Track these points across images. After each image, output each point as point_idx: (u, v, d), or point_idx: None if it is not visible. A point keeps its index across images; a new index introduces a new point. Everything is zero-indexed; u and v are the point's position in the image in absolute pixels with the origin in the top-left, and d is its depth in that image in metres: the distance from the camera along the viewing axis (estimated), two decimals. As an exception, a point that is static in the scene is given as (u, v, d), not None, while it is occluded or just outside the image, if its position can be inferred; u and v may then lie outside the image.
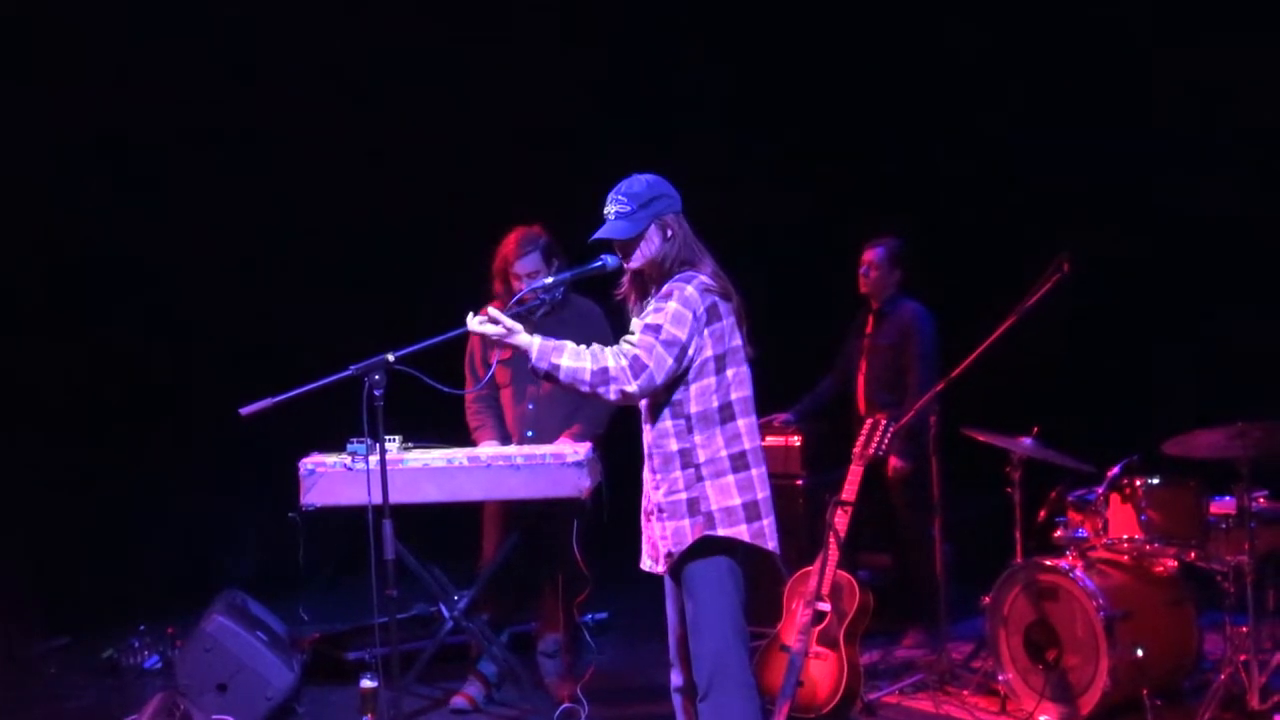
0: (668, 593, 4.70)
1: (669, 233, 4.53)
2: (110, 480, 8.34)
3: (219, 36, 8.48)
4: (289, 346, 7.91)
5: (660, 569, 4.60)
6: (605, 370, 4.37)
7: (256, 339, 8.47)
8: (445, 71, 9.08)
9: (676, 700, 4.75)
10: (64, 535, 8.09)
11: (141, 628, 7.51)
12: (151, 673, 7.30)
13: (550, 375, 4.42)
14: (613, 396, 4.40)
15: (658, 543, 4.58)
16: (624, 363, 4.37)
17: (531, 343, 4.44)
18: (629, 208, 4.52)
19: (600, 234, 4.55)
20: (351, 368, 4.65)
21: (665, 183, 4.61)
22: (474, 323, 4.51)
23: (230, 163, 8.54)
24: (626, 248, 4.55)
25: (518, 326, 4.50)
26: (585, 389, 4.41)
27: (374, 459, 4.88)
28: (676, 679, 4.71)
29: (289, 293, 8.74)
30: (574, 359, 4.39)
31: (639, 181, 4.57)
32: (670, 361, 4.41)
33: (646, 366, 4.38)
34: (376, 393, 4.65)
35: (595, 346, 4.45)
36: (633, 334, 4.45)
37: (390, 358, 4.65)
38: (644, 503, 4.70)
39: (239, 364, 8.13)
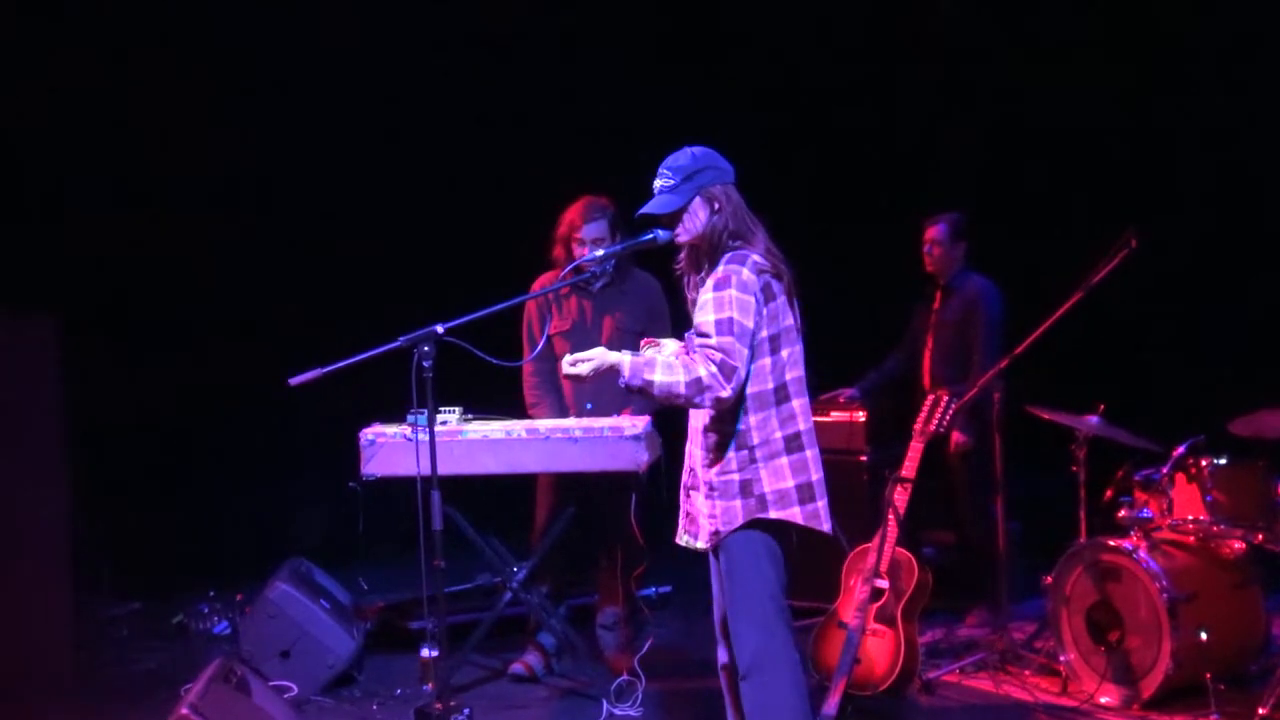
0: (713, 570, 4.69)
1: (716, 205, 4.48)
2: (183, 449, 8.46)
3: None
4: (353, 316, 7.96)
5: (704, 546, 4.58)
6: (699, 380, 4.31)
7: (324, 307, 8.55)
8: (499, 43, 9.12)
9: (724, 678, 4.73)
10: (137, 503, 8.21)
11: (211, 593, 7.64)
12: (220, 638, 7.41)
13: (644, 390, 4.39)
14: (708, 405, 4.36)
15: (701, 520, 4.56)
16: (713, 369, 4.31)
17: (622, 361, 4.41)
18: (673, 181, 4.48)
19: (644, 209, 4.52)
20: (401, 339, 4.66)
21: (714, 154, 4.55)
22: (567, 368, 4.50)
23: (288, 137, 8.62)
24: (671, 222, 4.52)
25: (599, 351, 4.49)
26: (681, 401, 4.38)
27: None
28: (723, 656, 4.70)
29: (350, 262, 8.83)
30: (666, 373, 4.34)
31: (684, 154, 4.52)
32: (747, 352, 4.39)
33: (735, 368, 4.34)
34: (425, 364, 4.66)
35: (680, 355, 4.45)
36: (708, 336, 4.36)
37: (439, 329, 4.65)
38: (685, 478, 4.69)
39: (308, 333, 8.18)
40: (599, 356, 4.47)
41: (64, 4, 8.04)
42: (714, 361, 4.32)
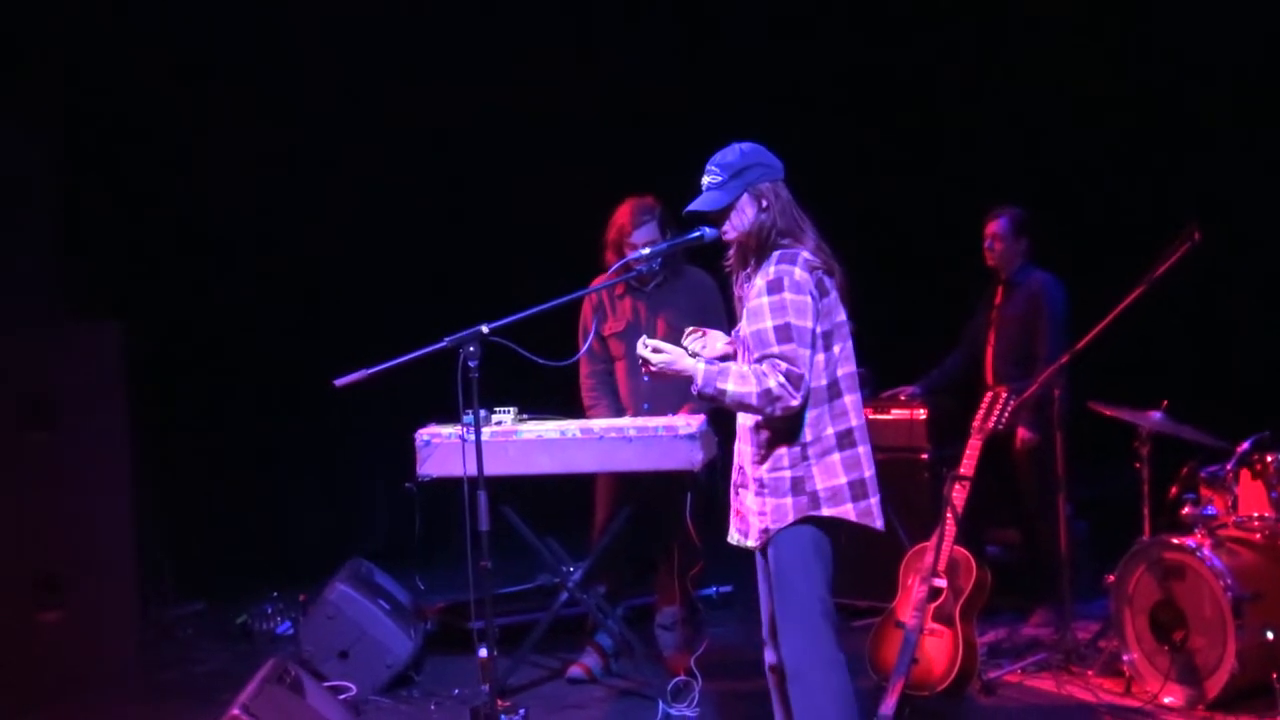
0: (760, 570, 4.65)
1: (764, 203, 4.43)
2: (247, 450, 8.54)
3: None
4: (418, 318, 8.00)
5: (754, 544, 4.53)
6: (769, 391, 4.28)
7: (385, 310, 8.60)
8: (537, 43, 9.15)
9: (771, 680, 4.68)
10: (201, 504, 8.30)
11: (275, 594, 7.68)
12: (284, 639, 7.44)
13: (716, 399, 4.37)
14: (779, 414, 4.33)
15: (751, 517, 4.51)
16: (781, 379, 4.27)
17: (697, 368, 4.39)
18: (720, 177, 4.44)
19: (692, 206, 4.49)
20: (446, 339, 4.65)
21: (763, 151, 4.50)
22: (644, 350, 4.46)
23: (337, 138, 8.69)
24: (719, 219, 4.49)
25: (678, 352, 4.48)
26: (753, 411, 4.37)
27: (485, 431, 4.91)
28: (770, 657, 4.64)
29: (405, 262, 8.92)
30: (739, 383, 4.31)
31: (733, 151, 4.48)
32: (810, 353, 4.35)
33: (802, 375, 4.30)
34: (471, 364, 4.65)
35: (750, 365, 4.37)
36: (768, 345, 4.31)
37: (485, 329, 4.64)
38: (734, 476, 4.64)
39: (369, 333, 8.22)
40: (677, 358, 4.44)
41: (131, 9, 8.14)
42: (781, 371, 4.28)
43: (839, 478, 4.43)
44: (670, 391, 6.32)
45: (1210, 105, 8.30)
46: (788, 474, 4.42)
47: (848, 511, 4.43)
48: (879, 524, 4.52)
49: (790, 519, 4.42)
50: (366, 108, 8.79)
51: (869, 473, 4.49)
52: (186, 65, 8.34)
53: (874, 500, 4.49)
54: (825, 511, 4.41)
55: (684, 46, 9.19)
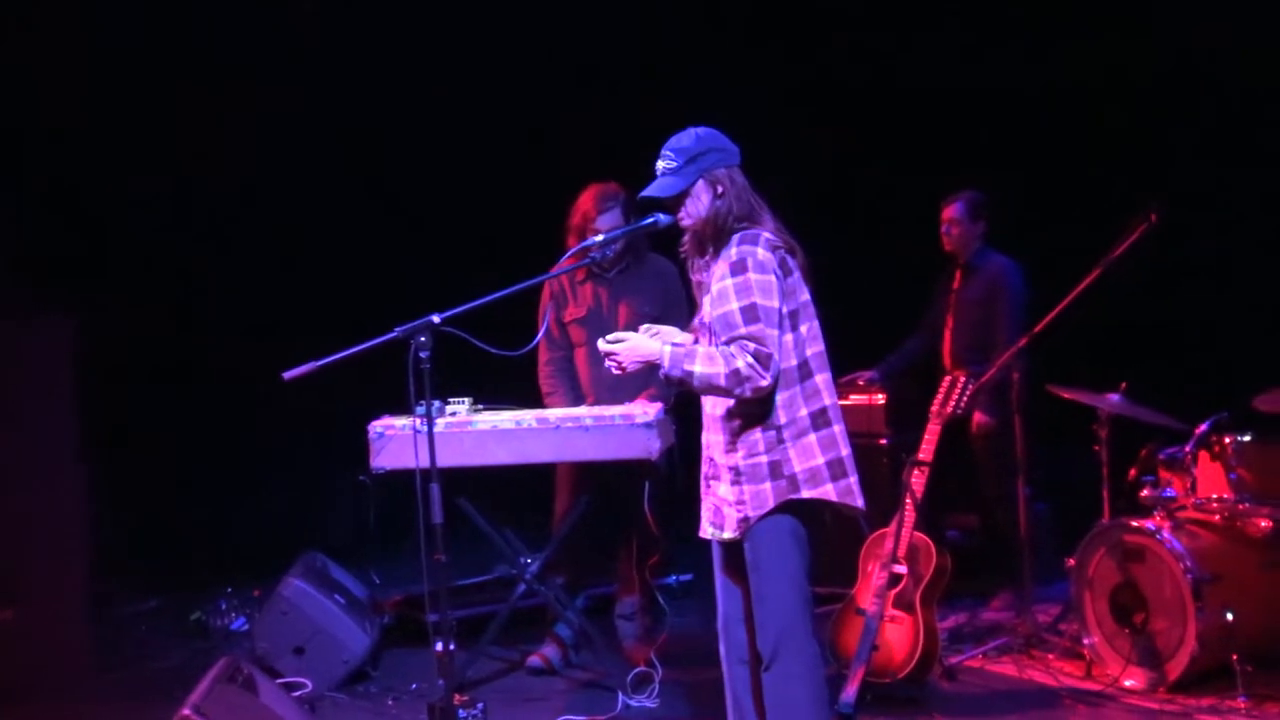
0: (717, 562, 4.59)
1: (719, 188, 4.39)
2: (201, 444, 8.45)
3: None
4: (378, 310, 7.94)
5: (732, 535, 4.44)
6: (738, 372, 4.22)
7: (346, 302, 8.52)
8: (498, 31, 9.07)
9: (725, 670, 4.63)
10: (155, 500, 8.22)
11: (229, 590, 7.60)
12: (239, 634, 7.35)
13: (684, 381, 4.31)
14: (749, 395, 4.27)
15: (727, 509, 4.44)
16: (750, 359, 4.22)
17: (662, 351, 4.34)
18: (675, 163, 4.40)
19: (646, 192, 4.44)
20: (396, 329, 4.57)
21: (719, 136, 4.46)
22: (605, 345, 4.45)
23: (288, 131, 8.61)
24: (674, 205, 4.44)
25: (638, 339, 4.44)
26: (720, 393, 4.31)
27: (440, 421, 4.83)
28: (724, 648, 4.60)
29: (374, 257, 8.85)
30: (707, 364, 4.26)
31: (687, 136, 4.44)
32: (778, 333, 4.30)
33: (770, 354, 4.24)
34: (423, 355, 4.57)
35: (718, 345, 4.32)
36: (735, 327, 4.26)
37: (436, 319, 4.56)
38: (705, 468, 4.57)
39: (327, 326, 8.15)
40: (639, 345, 4.40)
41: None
42: (749, 351, 4.23)
43: (816, 458, 4.38)
44: (631, 378, 6.21)
45: (1173, 86, 8.29)
46: (764, 458, 4.37)
47: (828, 492, 4.38)
48: (860, 502, 4.46)
49: (770, 504, 4.36)
50: (319, 94, 8.71)
51: (845, 451, 4.45)
52: (161, 63, 8.26)
53: (853, 479, 4.45)
54: (805, 494, 4.36)
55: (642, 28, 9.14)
